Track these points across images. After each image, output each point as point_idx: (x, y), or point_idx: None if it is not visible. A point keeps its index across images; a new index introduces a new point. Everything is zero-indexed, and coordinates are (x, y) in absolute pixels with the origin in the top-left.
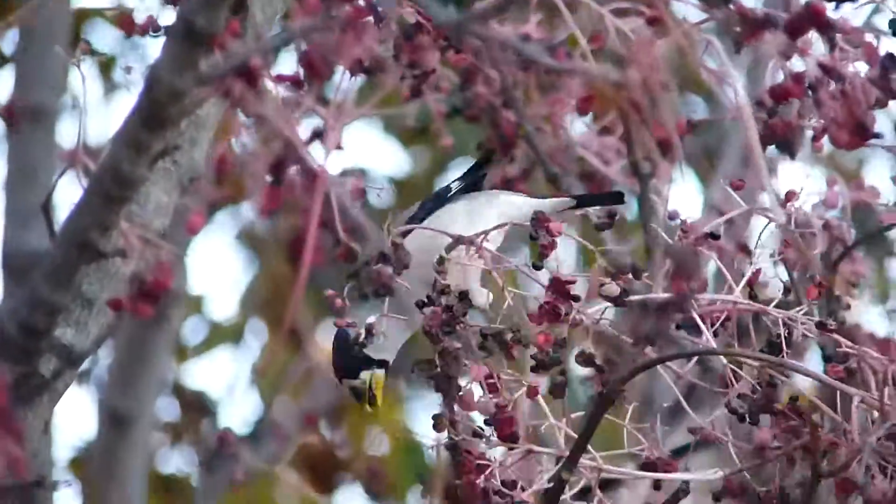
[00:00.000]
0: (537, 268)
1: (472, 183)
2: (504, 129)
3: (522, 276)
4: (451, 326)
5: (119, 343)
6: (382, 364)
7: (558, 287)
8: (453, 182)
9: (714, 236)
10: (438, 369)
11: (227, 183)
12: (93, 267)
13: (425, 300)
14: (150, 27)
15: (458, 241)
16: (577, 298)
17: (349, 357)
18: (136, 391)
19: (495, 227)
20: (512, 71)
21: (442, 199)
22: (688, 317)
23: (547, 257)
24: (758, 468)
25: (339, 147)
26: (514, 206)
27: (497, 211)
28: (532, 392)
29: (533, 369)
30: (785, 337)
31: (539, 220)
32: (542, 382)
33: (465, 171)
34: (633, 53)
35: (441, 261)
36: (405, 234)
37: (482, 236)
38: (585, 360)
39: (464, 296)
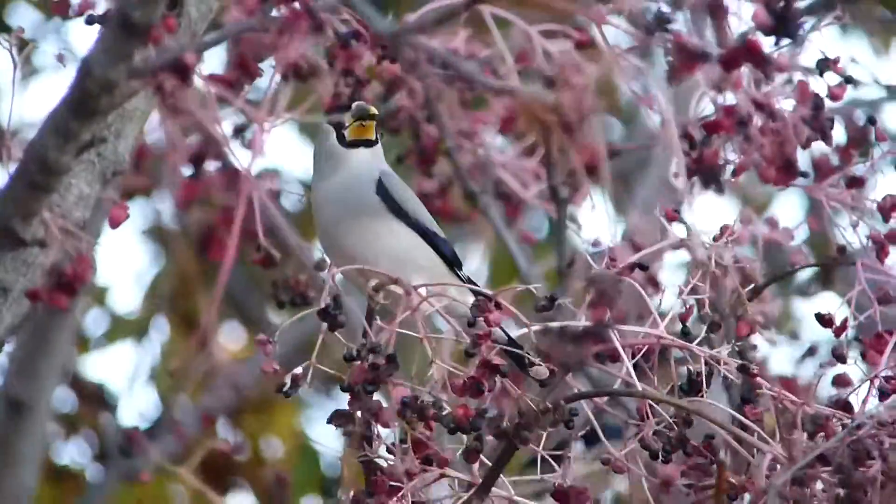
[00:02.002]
0: (470, 355)
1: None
2: (425, 142)
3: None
4: (375, 385)
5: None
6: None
7: (487, 364)
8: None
9: (642, 267)
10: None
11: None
12: (10, 255)
13: (353, 354)
14: (85, 12)
15: (394, 281)
16: (504, 374)
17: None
18: (36, 378)
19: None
20: (441, 85)
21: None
22: (609, 347)
23: (480, 346)
24: None
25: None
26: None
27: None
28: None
29: (451, 432)
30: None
31: (481, 307)
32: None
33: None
34: (565, 76)
35: (377, 288)
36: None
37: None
38: (498, 433)
39: (392, 358)
